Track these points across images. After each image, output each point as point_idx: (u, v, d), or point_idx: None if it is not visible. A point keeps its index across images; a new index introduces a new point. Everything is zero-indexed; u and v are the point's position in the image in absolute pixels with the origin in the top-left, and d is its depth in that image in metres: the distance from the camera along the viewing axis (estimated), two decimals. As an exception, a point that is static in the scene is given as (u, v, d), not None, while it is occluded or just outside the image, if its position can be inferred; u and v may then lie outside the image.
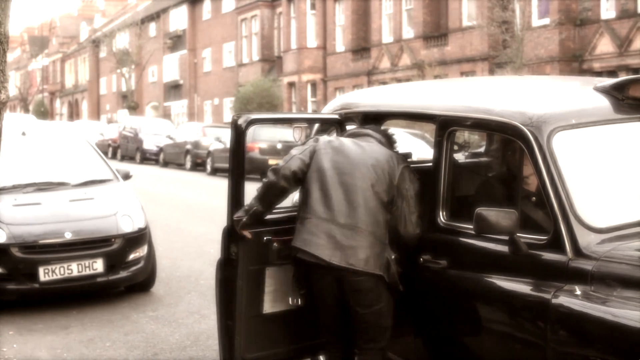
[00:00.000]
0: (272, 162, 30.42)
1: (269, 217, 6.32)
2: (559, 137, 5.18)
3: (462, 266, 5.57)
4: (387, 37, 45.44)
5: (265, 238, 6.24)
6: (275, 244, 6.28)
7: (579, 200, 5.02)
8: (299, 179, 5.99)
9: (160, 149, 42.63)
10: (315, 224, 5.82)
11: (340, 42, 49.39)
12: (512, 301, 5.15)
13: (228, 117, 59.87)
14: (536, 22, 34.83)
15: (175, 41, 72.38)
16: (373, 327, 5.91)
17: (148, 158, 44.26)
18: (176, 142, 41.20)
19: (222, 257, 6.38)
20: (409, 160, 6.52)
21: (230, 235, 6.26)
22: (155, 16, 75.39)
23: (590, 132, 5.38)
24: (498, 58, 35.92)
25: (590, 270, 4.77)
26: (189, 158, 38.85)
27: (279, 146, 30.41)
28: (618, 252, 4.81)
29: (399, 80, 39.85)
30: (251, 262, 6.21)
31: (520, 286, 5.08)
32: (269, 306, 6.36)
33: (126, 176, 12.40)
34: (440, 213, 5.79)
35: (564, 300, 4.75)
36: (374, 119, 6.74)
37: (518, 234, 5.03)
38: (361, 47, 47.50)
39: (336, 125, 6.86)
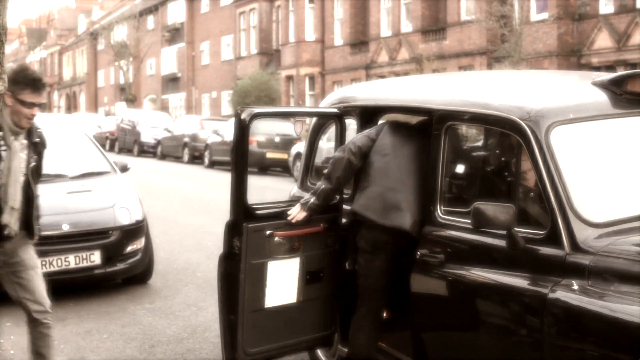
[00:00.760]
0: (270, 155, 30.51)
1: (269, 211, 6.37)
2: (557, 131, 5.18)
3: (459, 261, 5.58)
4: (385, 31, 45.40)
5: (267, 232, 6.26)
6: (277, 238, 6.30)
7: (577, 195, 5.02)
8: (365, 153, 6.28)
9: (158, 142, 42.65)
10: None
11: (339, 35, 49.34)
12: (509, 296, 5.15)
13: (226, 110, 59.87)
14: (534, 16, 34.82)
15: (174, 34, 72.35)
16: None
17: (146, 151, 44.27)
18: (174, 135, 41.25)
19: (225, 251, 6.38)
20: None
21: (233, 229, 6.26)
22: (153, 9, 75.34)
23: (588, 127, 5.38)
24: (496, 52, 35.91)
25: (587, 265, 4.77)
26: (186, 151, 38.89)
27: (277, 139, 30.44)
28: (615, 246, 4.81)
29: (397, 74, 39.82)
30: (253, 256, 6.22)
31: (517, 281, 5.08)
32: (270, 300, 6.37)
33: (124, 169, 12.39)
34: (438, 207, 5.80)
35: (561, 294, 4.75)
36: (371, 113, 6.74)
37: (515, 229, 5.03)
38: (359, 40, 47.47)
39: (336, 119, 6.87)
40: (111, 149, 47.19)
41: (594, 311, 4.57)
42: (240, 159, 6.27)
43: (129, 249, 10.78)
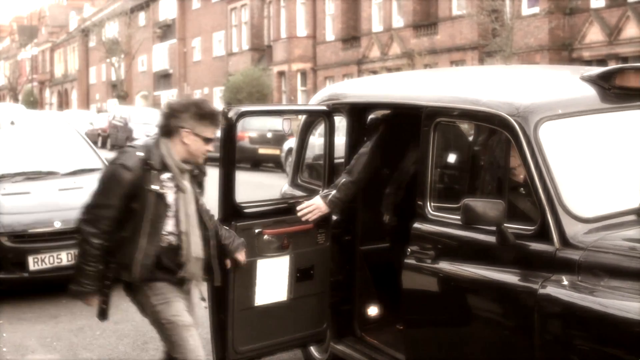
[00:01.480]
0: (262, 151, 30.51)
1: (257, 209, 6.38)
2: (546, 127, 5.19)
3: (450, 257, 5.58)
4: (377, 26, 45.37)
5: (256, 230, 6.27)
6: (266, 236, 6.31)
7: (566, 190, 5.03)
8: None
9: (150, 138, 42.57)
10: None
11: (330, 31, 49.31)
12: (499, 292, 5.15)
13: (218, 106, 59.71)
14: (526, 10, 34.85)
15: (165, 30, 72.22)
16: None
17: (138, 147, 44.15)
18: (166, 132, 41.18)
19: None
20: None
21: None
22: (144, 5, 75.21)
23: (577, 122, 5.38)
24: (488, 47, 35.94)
25: (577, 260, 4.78)
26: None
27: (269, 135, 30.43)
28: (605, 241, 4.82)
29: (388, 70, 39.83)
30: None
31: (507, 276, 5.08)
32: (260, 298, 6.37)
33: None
34: (428, 204, 5.80)
35: (551, 290, 4.76)
36: (361, 110, 6.75)
37: (505, 225, 5.04)
38: (351, 36, 47.44)
39: (324, 116, 6.87)
40: (103, 145, 47.08)
41: (584, 306, 4.57)
42: (228, 158, 6.26)
43: (121, 246, 10.76)
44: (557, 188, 5.01)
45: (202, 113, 5.59)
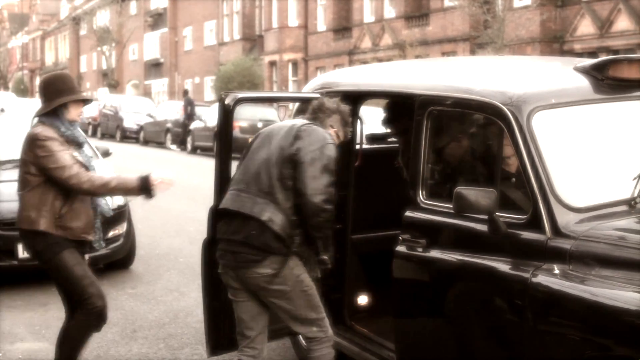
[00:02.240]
0: (252, 141, 30.44)
1: None
2: (539, 116, 5.18)
3: (441, 245, 5.59)
4: (368, 17, 45.39)
5: None
6: None
7: (558, 180, 5.03)
8: None
9: (141, 127, 42.61)
10: None
11: (322, 21, 49.30)
12: (491, 280, 5.16)
13: (209, 95, 59.73)
14: (517, 2, 34.90)
15: (156, 19, 72.10)
16: None
17: (128, 136, 44.21)
18: (156, 121, 41.22)
19: (208, 237, 6.34)
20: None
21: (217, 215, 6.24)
22: (136, -6, 75.07)
23: (570, 112, 5.38)
24: (479, 38, 35.94)
25: (568, 250, 4.78)
26: (169, 136, 38.83)
27: (260, 125, 30.37)
28: (596, 231, 4.83)
29: (380, 60, 39.79)
30: None
31: (499, 265, 5.09)
32: None
33: (105, 153, 12.36)
34: (420, 192, 5.79)
35: (542, 279, 4.77)
36: (354, 99, 6.73)
37: (497, 214, 5.04)
38: (342, 26, 47.45)
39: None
40: (93, 134, 47.10)
41: (575, 295, 4.58)
42: (225, 144, 6.24)
43: (111, 234, 10.73)
44: (549, 177, 5.01)
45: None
